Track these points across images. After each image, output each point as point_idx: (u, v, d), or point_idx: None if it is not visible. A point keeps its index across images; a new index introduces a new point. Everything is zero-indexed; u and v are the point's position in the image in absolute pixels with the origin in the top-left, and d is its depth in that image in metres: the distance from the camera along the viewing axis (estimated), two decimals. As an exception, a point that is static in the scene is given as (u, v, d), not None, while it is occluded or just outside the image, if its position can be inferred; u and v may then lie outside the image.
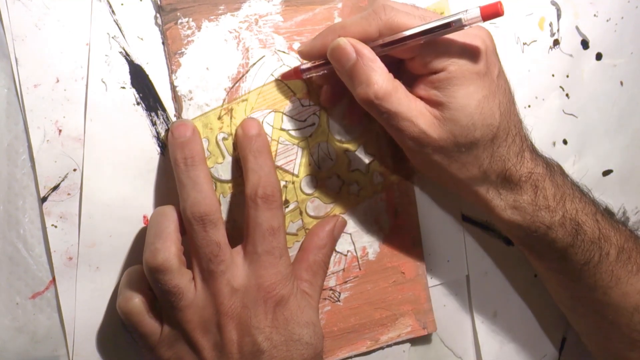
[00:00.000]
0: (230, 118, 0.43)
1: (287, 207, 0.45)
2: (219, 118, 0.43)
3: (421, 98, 0.41)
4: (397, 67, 0.42)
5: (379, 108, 0.40)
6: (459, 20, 0.38)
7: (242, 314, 0.39)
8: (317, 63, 0.42)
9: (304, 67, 0.43)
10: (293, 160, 0.45)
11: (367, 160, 0.47)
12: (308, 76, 0.43)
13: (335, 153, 0.46)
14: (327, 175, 0.46)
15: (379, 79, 0.39)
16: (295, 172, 0.45)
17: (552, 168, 0.45)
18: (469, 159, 0.42)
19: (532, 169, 0.44)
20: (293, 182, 0.45)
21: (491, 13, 0.38)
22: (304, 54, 0.43)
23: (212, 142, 0.43)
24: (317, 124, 0.45)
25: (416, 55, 0.41)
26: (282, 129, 0.44)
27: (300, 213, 0.46)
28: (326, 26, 0.44)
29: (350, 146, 0.47)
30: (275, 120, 0.44)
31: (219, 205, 0.39)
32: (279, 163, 0.45)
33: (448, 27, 0.39)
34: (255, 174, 0.40)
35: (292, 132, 0.45)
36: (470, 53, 0.40)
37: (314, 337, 0.41)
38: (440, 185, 0.47)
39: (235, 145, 0.43)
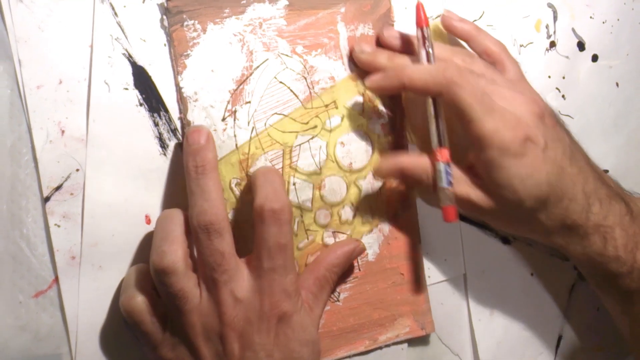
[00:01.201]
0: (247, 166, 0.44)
1: (305, 240, 0.46)
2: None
3: (471, 166, 0.44)
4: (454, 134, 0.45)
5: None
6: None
7: (245, 328, 0.39)
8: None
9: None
10: (307, 195, 0.46)
11: (378, 185, 0.48)
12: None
13: (346, 183, 0.47)
14: (340, 205, 0.47)
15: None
16: (309, 206, 0.46)
17: (630, 210, 0.46)
18: (521, 219, 0.45)
19: (600, 222, 0.45)
20: (307, 216, 0.46)
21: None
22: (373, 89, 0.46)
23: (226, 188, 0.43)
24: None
25: (454, 139, 0.44)
26: (291, 167, 0.45)
27: (318, 246, 0.46)
28: (329, 30, 0.45)
29: (359, 174, 0.47)
30: (284, 158, 0.45)
31: (227, 215, 0.39)
32: (293, 200, 0.45)
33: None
34: (263, 190, 0.40)
35: (303, 169, 0.45)
36: (507, 139, 0.41)
37: (311, 356, 0.42)
38: None
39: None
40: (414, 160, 0.44)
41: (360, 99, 0.47)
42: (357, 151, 0.47)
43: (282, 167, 0.45)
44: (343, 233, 0.47)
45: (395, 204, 0.48)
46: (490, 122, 0.41)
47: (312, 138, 0.45)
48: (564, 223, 0.44)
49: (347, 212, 0.47)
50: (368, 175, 0.47)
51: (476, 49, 0.47)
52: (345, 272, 0.46)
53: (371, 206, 0.48)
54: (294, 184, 0.45)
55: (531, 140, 0.42)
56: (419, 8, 0.43)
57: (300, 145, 0.45)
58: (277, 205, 0.39)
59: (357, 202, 0.47)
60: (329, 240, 0.47)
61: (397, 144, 0.48)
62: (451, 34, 0.48)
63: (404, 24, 0.47)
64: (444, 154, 0.43)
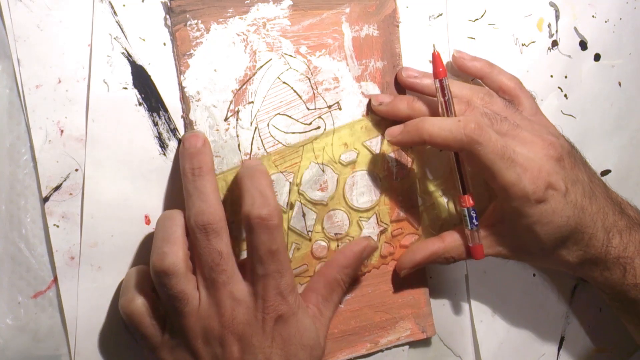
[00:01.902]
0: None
1: (298, 268, 0.46)
2: None
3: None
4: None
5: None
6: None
7: (244, 330, 0.39)
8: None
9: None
10: (309, 223, 0.46)
11: (379, 230, 0.48)
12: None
13: (349, 220, 0.47)
14: (339, 241, 0.47)
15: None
16: (308, 235, 0.46)
17: None
18: (544, 257, 0.47)
19: (620, 254, 0.46)
20: (305, 245, 0.46)
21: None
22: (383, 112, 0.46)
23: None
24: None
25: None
26: (299, 191, 0.45)
27: (306, 255, 0.46)
28: (334, 30, 0.45)
29: (364, 214, 0.47)
30: (295, 178, 0.45)
31: (224, 215, 0.39)
32: (295, 227, 0.45)
33: None
34: (249, 195, 0.39)
35: (311, 196, 0.45)
36: (521, 195, 0.43)
37: None
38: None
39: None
40: (449, 245, 0.47)
41: (378, 142, 0.47)
42: (366, 190, 0.47)
43: (290, 187, 0.45)
44: (331, 247, 0.47)
45: (398, 206, 0.48)
46: (512, 175, 0.42)
47: (325, 167, 0.46)
48: (584, 258, 0.46)
49: (338, 228, 0.47)
50: (372, 218, 0.47)
51: (491, 86, 0.48)
52: (357, 273, 0.47)
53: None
54: (297, 209, 0.45)
55: (552, 187, 0.43)
56: (437, 59, 0.44)
57: (311, 171, 0.45)
58: (265, 211, 0.38)
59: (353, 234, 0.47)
60: (317, 250, 0.46)
61: (406, 190, 0.48)
62: (465, 74, 0.49)
63: (407, 23, 0.47)
64: (468, 201, 0.45)
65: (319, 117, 0.45)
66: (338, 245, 0.47)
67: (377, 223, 0.47)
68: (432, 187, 0.49)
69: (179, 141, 0.42)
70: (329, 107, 0.46)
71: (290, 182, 0.45)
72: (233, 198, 0.43)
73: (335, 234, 0.46)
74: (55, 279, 0.41)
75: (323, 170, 0.46)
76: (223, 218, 0.39)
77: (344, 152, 0.46)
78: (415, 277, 0.49)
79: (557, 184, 0.44)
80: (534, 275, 0.54)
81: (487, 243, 0.46)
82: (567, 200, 0.44)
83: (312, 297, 0.44)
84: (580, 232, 0.45)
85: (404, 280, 0.49)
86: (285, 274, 0.40)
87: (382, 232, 0.48)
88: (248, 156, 0.44)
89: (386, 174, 0.47)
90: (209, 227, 0.38)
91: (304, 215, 0.45)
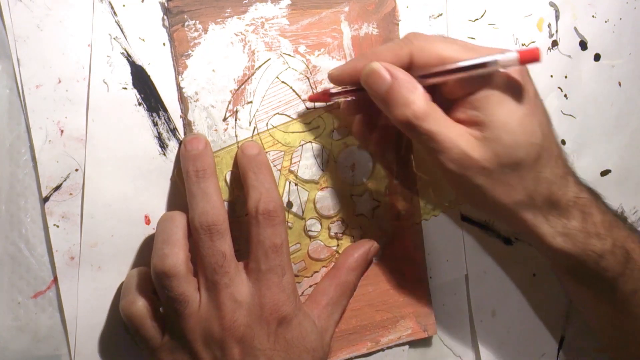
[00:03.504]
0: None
1: (290, 247, 0.45)
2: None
3: (459, 121, 0.40)
4: (431, 94, 0.41)
5: (419, 129, 0.39)
6: (495, 61, 0.38)
7: (245, 333, 0.39)
8: (347, 89, 0.42)
9: (333, 90, 0.43)
10: (301, 202, 0.45)
11: (372, 206, 0.47)
12: (335, 100, 0.43)
13: (342, 197, 0.46)
14: (331, 219, 0.46)
15: (417, 99, 0.39)
16: (301, 213, 0.46)
17: (595, 194, 0.45)
18: (513, 181, 0.40)
19: (578, 194, 0.43)
20: (298, 224, 0.46)
21: (529, 59, 0.37)
22: (333, 78, 0.43)
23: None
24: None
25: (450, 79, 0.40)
26: (290, 171, 0.45)
27: (303, 255, 0.46)
28: (333, 29, 0.44)
29: (356, 192, 0.47)
30: (284, 160, 0.45)
31: (227, 217, 0.39)
32: (285, 201, 0.45)
33: (483, 66, 0.38)
34: (256, 191, 0.40)
35: (301, 175, 0.45)
36: (506, 72, 0.40)
37: None
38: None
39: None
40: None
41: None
42: (358, 167, 0.47)
43: (281, 169, 0.45)
44: (329, 247, 0.47)
45: (398, 205, 0.48)
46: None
47: (315, 144, 0.45)
48: (547, 195, 0.42)
49: (336, 228, 0.47)
50: (365, 194, 0.47)
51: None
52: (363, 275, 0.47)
53: (361, 226, 0.47)
54: (290, 189, 0.45)
55: (527, 82, 0.41)
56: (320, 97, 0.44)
57: (302, 149, 0.45)
58: (271, 205, 0.39)
59: (349, 219, 0.47)
60: (314, 252, 0.46)
61: (401, 168, 0.48)
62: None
63: (407, 23, 0.47)
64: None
65: (319, 116, 0.45)
66: (329, 226, 0.46)
67: (371, 200, 0.47)
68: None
69: (179, 142, 0.42)
70: (329, 106, 0.46)
71: (279, 170, 0.45)
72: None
73: (327, 213, 0.46)
74: (55, 279, 0.41)
75: (314, 146, 0.45)
76: (226, 219, 0.39)
77: (331, 119, 0.46)
78: (416, 276, 0.49)
79: (527, 85, 0.40)
80: (534, 275, 0.54)
81: (456, 153, 0.40)
82: (537, 103, 0.41)
83: (323, 300, 0.44)
84: (549, 150, 0.41)
85: (405, 279, 0.49)
86: (287, 271, 0.40)
87: (375, 208, 0.48)
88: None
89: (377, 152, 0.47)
90: (213, 228, 0.38)
91: (294, 194, 0.45)
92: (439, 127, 0.39)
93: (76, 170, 0.40)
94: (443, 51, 0.39)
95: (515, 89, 0.40)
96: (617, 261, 0.44)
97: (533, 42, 0.52)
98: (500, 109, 0.39)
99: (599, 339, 0.52)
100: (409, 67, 0.40)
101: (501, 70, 0.39)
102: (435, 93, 0.41)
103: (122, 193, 0.41)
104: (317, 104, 0.45)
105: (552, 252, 0.43)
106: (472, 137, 0.39)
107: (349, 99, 0.43)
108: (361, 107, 0.44)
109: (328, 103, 0.45)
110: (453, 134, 0.39)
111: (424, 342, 0.51)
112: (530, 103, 0.40)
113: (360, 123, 0.45)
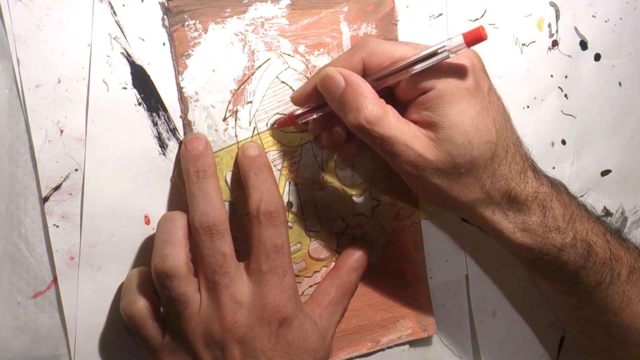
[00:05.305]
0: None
1: (291, 247, 0.45)
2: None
3: (414, 122, 0.40)
4: (387, 97, 0.41)
5: (371, 133, 0.39)
6: (443, 47, 0.38)
7: (246, 334, 0.39)
8: (310, 107, 0.42)
9: (298, 112, 0.43)
10: (302, 201, 0.46)
11: (372, 206, 0.47)
12: (303, 121, 0.43)
13: (341, 197, 0.46)
14: (331, 218, 0.46)
15: (369, 104, 0.39)
16: (301, 213, 0.46)
17: (558, 187, 0.44)
18: (469, 180, 0.41)
19: (538, 188, 0.42)
20: (299, 223, 0.46)
21: (474, 39, 0.37)
22: (295, 100, 0.43)
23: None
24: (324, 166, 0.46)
25: (403, 80, 0.40)
26: (290, 171, 0.45)
27: (303, 255, 0.46)
28: (332, 29, 0.44)
29: (356, 191, 0.47)
30: (284, 159, 0.45)
31: (227, 218, 0.40)
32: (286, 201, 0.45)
33: (433, 55, 0.38)
34: (257, 191, 0.40)
35: (301, 175, 0.45)
36: (458, 70, 0.40)
37: None
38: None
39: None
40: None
41: None
42: (358, 166, 0.47)
43: (281, 169, 0.45)
44: (330, 247, 0.47)
45: (398, 205, 0.48)
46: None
47: (315, 144, 0.45)
48: (505, 191, 0.42)
49: (336, 227, 0.47)
50: (364, 194, 0.47)
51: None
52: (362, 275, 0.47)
53: (361, 225, 0.47)
54: (290, 189, 0.45)
55: (480, 79, 0.40)
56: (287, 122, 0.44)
57: (302, 149, 0.45)
58: (272, 206, 0.40)
59: (349, 219, 0.47)
60: (315, 252, 0.46)
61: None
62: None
63: (407, 22, 0.47)
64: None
65: (319, 116, 0.45)
66: (331, 225, 0.46)
67: (371, 198, 0.47)
68: None
69: (179, 142, 0.42)
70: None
71: (279, 170, 0.45)
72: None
73: (327, 212, 0.46)
74: (55, 279, 0.41)
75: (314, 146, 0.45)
76: (227, 220, 0.39)
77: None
78: (416, 276, 0.49)
79: (480, 82, 0.40)
80: (534, 275, 0.54)
81: (408, 153, 0.40)
82: (490, 100, 0.41)
83: (324, 300, 0.44)
84: (505, 147, 0.41)
85: (405, 279, 0.49)
86: (288, 272, 0.40)
87: (375, 208, 0.47)
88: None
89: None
90: (213, 229, 0.39)
91: (294, 194, 0.45)
92: (391, 131, 0.39)
93: (76, 170, 0.40)
94: (394, 52, 0.40)
95: (467, 87, 0.40)
96: (578, 255, 0.43)
97: (533, 42, 0.52)
98: (452, 109, 0.39)
99: (566, 330, 0.51)
100: (364, 72, 0.41)
101: (452, 56, 0.38)
102: (392, 96, 0.41)
103: (121, 193, 0.41)
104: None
105: (513, 247, 0.43)
106: (426, 138, 0.40)
107: (314, 116, 0.43)
108: (329, 122, 0.44)
109: (296, 125, 0.44)
110: (407, 137, 0.39)
111: (424, 342, 0.51)
112: (484, 100, 0.40)
113: (328, 138, 0.45)
